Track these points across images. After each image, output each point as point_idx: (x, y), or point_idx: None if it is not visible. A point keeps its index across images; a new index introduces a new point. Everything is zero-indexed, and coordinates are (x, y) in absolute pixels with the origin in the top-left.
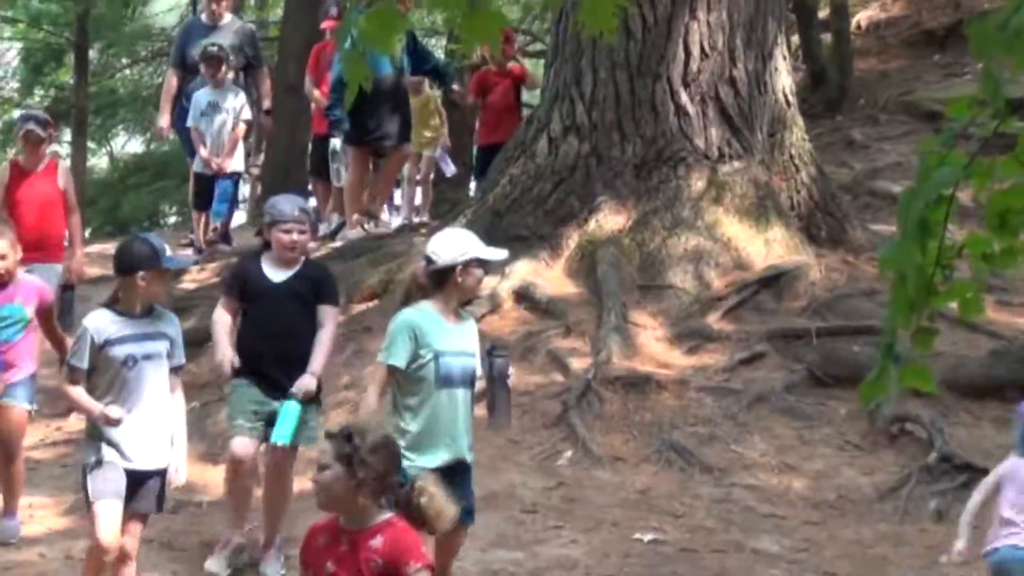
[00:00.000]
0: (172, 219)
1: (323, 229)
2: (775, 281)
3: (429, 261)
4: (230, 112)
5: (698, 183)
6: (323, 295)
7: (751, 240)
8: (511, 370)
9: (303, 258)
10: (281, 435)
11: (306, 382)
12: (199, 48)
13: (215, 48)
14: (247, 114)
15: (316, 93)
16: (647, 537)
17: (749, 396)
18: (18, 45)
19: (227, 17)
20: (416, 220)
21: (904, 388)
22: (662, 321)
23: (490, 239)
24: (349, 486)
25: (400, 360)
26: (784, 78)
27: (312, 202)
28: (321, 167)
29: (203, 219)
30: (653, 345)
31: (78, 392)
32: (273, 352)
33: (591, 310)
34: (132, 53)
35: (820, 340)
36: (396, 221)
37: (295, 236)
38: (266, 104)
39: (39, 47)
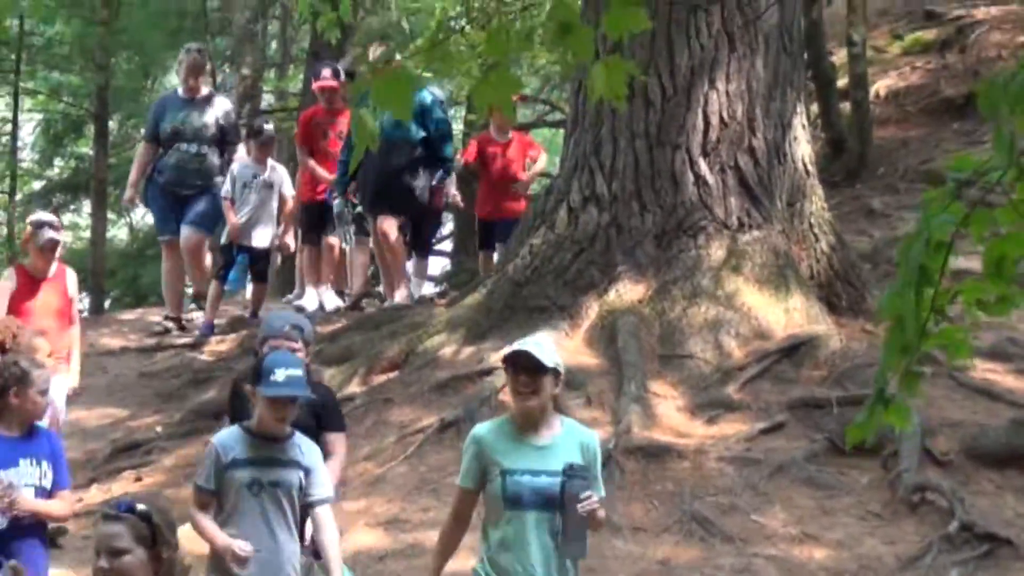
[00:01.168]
0: (190, 289)
1: (307, 299)
2: (795, 350)
3: (557, 372)
4: (275, 187)
5: (718, 252)
6: (327, 420)
7: (771, 309)
8: (587, 493)
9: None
10: None
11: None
12: (174, 122)
13: (272, 128)
14: (291, 189)
15: (311, 161)
16: None
17: (770, 466)
18: (38, 116)
19: (204, 91)
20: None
21: (925, 458)
22: (682, 391)
23: (510, 310)
24: (152, 571)
25: (467, 481)
26: (803, 147)
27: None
28: (314, 234)
29: (218, 291)
30: (673, 415)
31: (205, 520)
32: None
33: (611, 380)
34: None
35: (840, 409)
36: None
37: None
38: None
39: (59, 118)
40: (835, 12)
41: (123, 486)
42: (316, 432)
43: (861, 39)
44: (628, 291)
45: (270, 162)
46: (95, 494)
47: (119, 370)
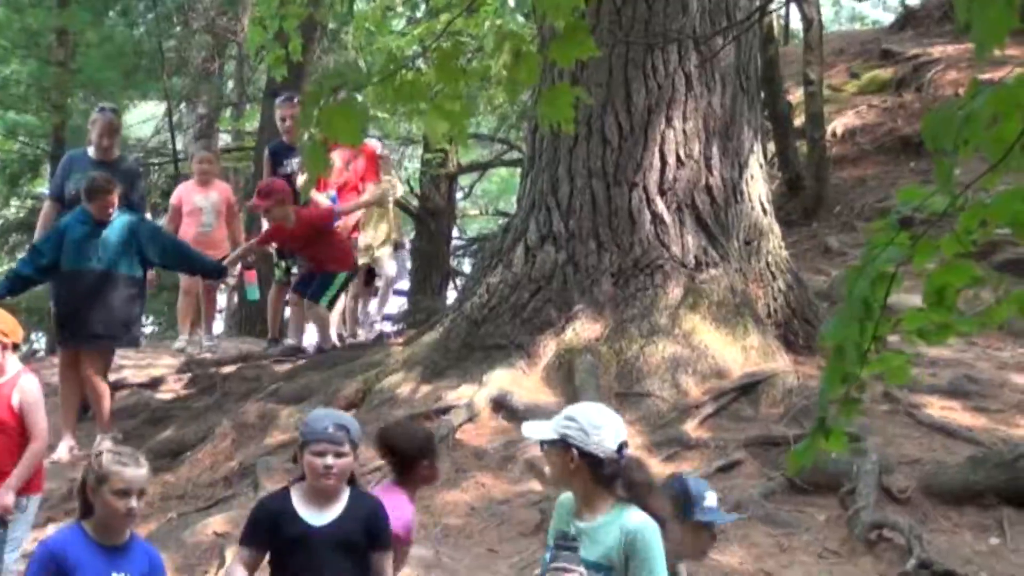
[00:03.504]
0: (149, 328)
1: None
2: (752, 388)
3: (564, 443)
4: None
5: (675, 291)
6: (378, 539)
7: (728, 347)
8: (562, 565)
9: (348, 489)
10: None
11: None
12: (78, 184)
13: (101, 180)
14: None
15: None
16: None
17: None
18: None
19: (115, 153)
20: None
21: (882, 496)
22: (640, 428)
23: (468, 348)
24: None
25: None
26: (760, 186)
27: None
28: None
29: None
30: (631, 453)
31: None
32: None
33: None
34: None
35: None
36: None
37: (330, 459)
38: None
39: (15, 158)
40: (791, 51)
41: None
42: (365, 552)
43: (818, 78)
44: (585, 329)
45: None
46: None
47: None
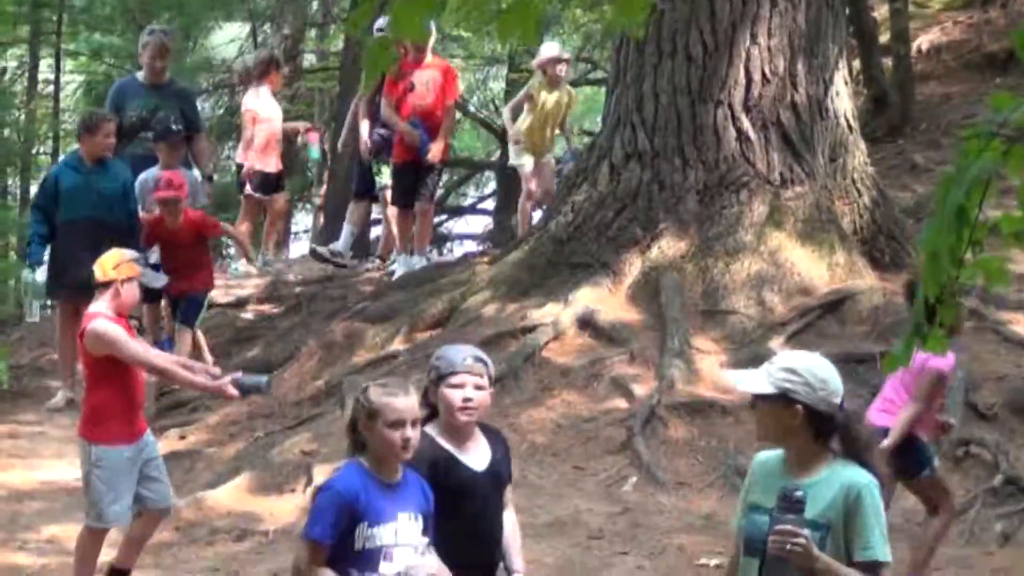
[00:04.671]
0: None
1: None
2: (838, 305)
3: (787, 398)
4: (187, 199)
5: (760, 208)
6: (510, 473)
7: (813, 265)
8: (787, 528)
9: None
10: None
11: None
12: (137, 110)
13: (176, 128)
14: (203, 198)
15: (396, 117)
16: (713, 562)
17: None
18: (80, 78)
19: (167, 76)
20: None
21: (969, 412)
22: (725, 347)
23: (553, 267)
24: None
25: (738, 516)
26: (845, 103)
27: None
28: (408, 196)
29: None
30: (716, 371)
31: None
32: (478, 568)
33: (654, 336)
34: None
35: None
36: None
37: (470, 392)
38: (208, 170)
39: (100, 80)
40: None
41: (168, 445)
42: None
43: None
44: (670, 247)
45: (180, 168)
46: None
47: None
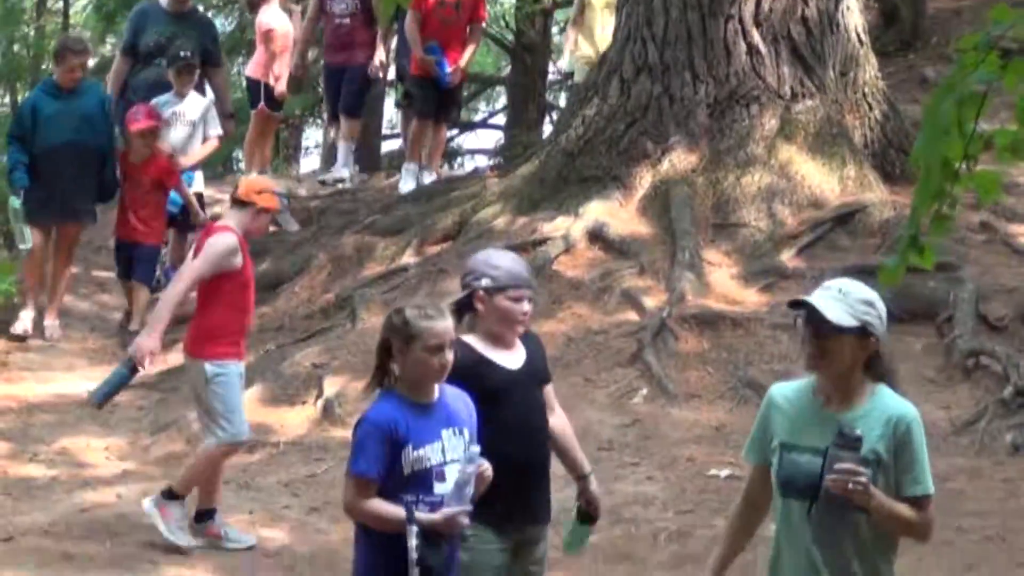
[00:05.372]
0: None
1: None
2: (849, 218)
3: (865, 331)
4: (198, 125)
5: (771, 122)
6: (547, 372)
7: (824, 178)
8: (847, 467)
9: None
10: None
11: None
12: (155, 36)
13: (188, 54)
14: (217, 128)
15: (417, 37)
16: (723, 473)
17: None
18: None
19: (189, 4)
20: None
21: (979, 324)
22: (736, 259)
23: (563, 180)
24: None
25: (751, 453)
26: (856, 17)
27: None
28: (430, 108)
29: None
30: (727, 283)
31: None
32: (528, 466)
33: (664, 249)
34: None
35: None
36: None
37: (527, 305)
38: (227, 107)
39: None
40: None
41: (178, 357)
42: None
43: None
44: (681, 161)
45: (193, 95)
46: (149, 365)
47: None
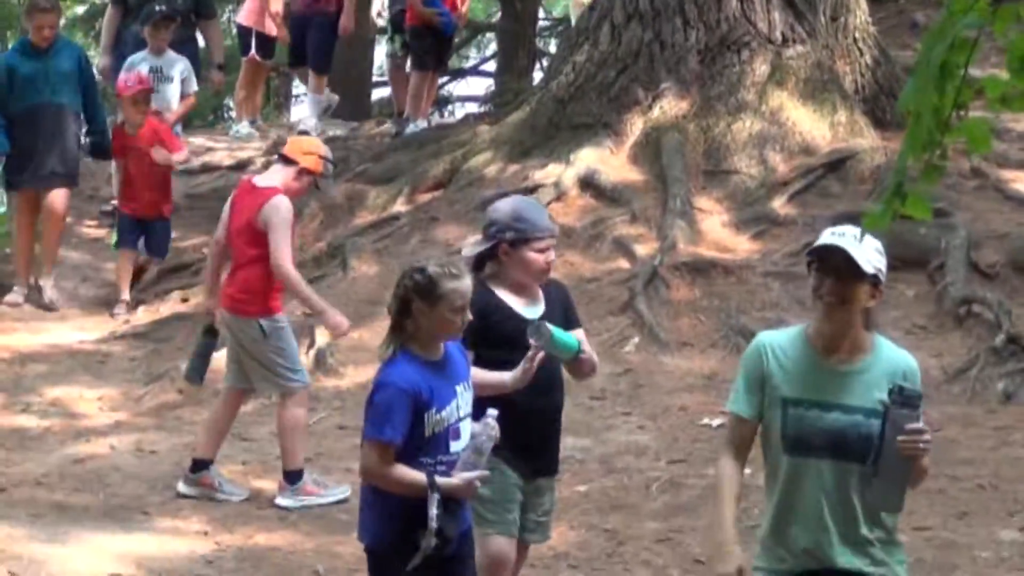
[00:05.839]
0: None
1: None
2: (840, 165)
3: (877, 280)
4: (175, 80)
5: (761, 67)
6: (574, 318)
7: (815, 124)
8: (915, 426)
9: None
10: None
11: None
12: None
13: (163, 8)
14: (194, 85)
15: None
16: (715, 422)
17: None
18: None
19: None
20: None
21: (971, 271)
22: (727, 206)
23: (554, 127)
24: None
25: (741, 405)
26: None
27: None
28: (430, 58)
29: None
30: (718, 230)
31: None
32: (544, 413)
33: (656, 196)
34: None
35: None
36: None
37: (552, 255)
38: (218, 58)
39: None
40: None
41: (170, 307)
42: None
43: None
44: (672, 107)
45: (170, 52)
46: (142, 315)
47: None
